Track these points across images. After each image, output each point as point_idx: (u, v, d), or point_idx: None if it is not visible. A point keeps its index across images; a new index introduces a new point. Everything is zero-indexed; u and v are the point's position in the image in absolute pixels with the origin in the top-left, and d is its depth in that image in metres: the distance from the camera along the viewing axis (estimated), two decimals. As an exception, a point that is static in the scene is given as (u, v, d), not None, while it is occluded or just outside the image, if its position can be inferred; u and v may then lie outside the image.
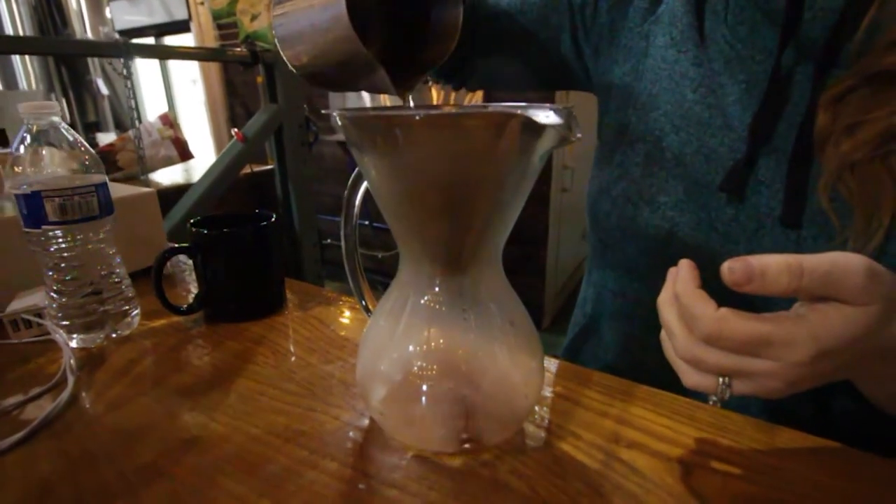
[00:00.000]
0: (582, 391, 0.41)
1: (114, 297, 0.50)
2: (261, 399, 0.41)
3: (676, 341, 0.30)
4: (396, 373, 0.33)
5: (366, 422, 0.37)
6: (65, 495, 0.31)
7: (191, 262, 0.54)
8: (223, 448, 0.35)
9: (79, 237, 0.46)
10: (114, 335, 0.50)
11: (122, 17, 4.08)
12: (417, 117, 0.26)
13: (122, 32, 4.43)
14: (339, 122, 0.28)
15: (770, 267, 0.26)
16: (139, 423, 0.38)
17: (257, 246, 0.53)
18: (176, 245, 0.52)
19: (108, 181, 0.49)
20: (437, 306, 0.32)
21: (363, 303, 0.39)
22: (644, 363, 0.49)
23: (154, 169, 1.54)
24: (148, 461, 0.34)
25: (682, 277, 0.30)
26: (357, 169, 0.35)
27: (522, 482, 0.31)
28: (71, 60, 3.53)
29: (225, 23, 1.29)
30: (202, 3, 2.05)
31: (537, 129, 0.24)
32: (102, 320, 0.49)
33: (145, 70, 3.98)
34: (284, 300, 0.58)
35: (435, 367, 0.32)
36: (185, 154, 1.59)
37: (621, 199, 0.49)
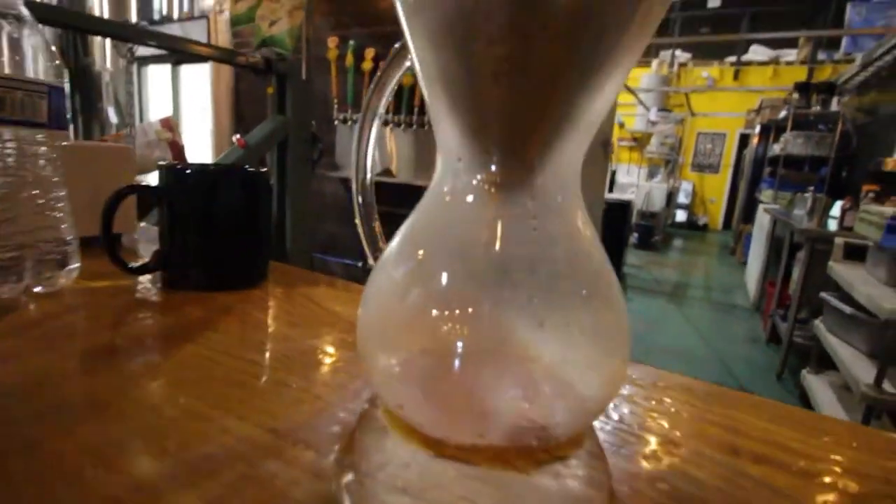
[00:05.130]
0: (654, 389, 0.29)
1: (45, 239, 0.38)
2: (212, 367, 0.29)
3: None
4: (422, 326, 0.22)
5: (364, 404, 0.26)
6: None
7: (155, 218, 0.43)
8: (139, 420, 0.23)
9: (10, 146, 0.36)
10: (37, 289, 0.38)
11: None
12: None
13: (140, 59, 4.52)
14: None
15: None
16: (26, 382, 0.26)
17: (241, 197, 0.43)
18: (139, 184, 0.41)
19: (66, 91, 0.39)
20: (494, 210, 0.21)
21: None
22: None
23: (147, 170, 1.46)
24: (23, 431, 0.22)
25: None
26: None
27: (605, 494, 0.20)
28: (84, 86, 3.55)
29: (238, 30, 1.27)
30: (221, 12, 2.07)
31: None
32: (21, 265, 0.37)
33: (156, 86, 3.98)
34: (265, 274, 0.47)
35: (489, 314, 0.21)
36: (179, 158, 1.51)
37: None
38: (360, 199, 0.30)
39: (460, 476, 0.20)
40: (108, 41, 3.81)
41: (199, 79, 3.71)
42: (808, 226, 2.67)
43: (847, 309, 1.91)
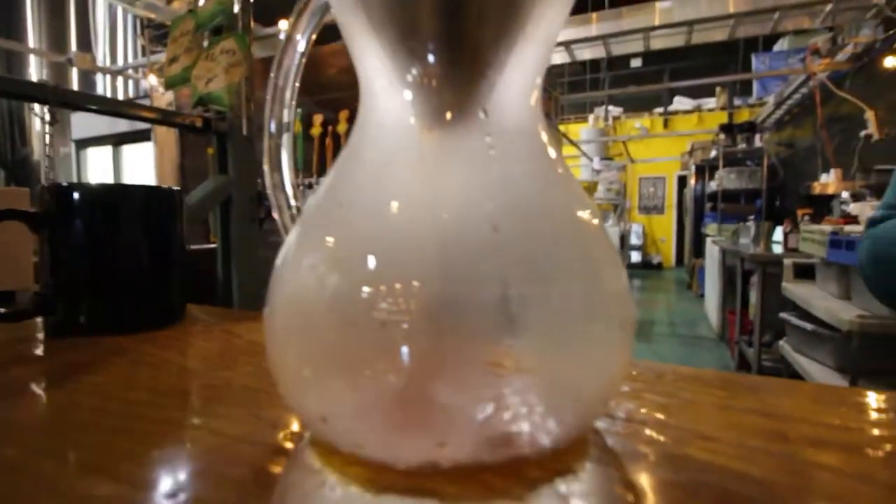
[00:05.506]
0: (662, 382, 0.24)
1: None
2: (72, 412, 0.21)
3: None
4: (349, 305, 0.16)
5: (278, 433, 0.18)
6: None
7: (34, 240, 0.36)
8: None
9: None
10: None
11: (82, 125, 4.07)
12: None
13: (80, 142, 4.39)
14: None
15: None
16: None
17: (142, 221, 0.36)
18: (14, 210, 0.34)
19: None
20: (437, 133, 0.16)
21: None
22: None
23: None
24: None
25: None
26: None
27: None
28: (22, 177, 3.42)
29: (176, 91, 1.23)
30: (163, 93, 2.03)
31: None
32: None
33: (97, 170, 3.85)
34: (180, 315, 0.39)
35: (440, 280, 0.15)
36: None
37: None
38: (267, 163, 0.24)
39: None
40: (49, 139, 3.70)
41: (142, 158, 3.62)
42: (755, 252, 2.77)
43: (808, 326, 1.93)
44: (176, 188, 0.38)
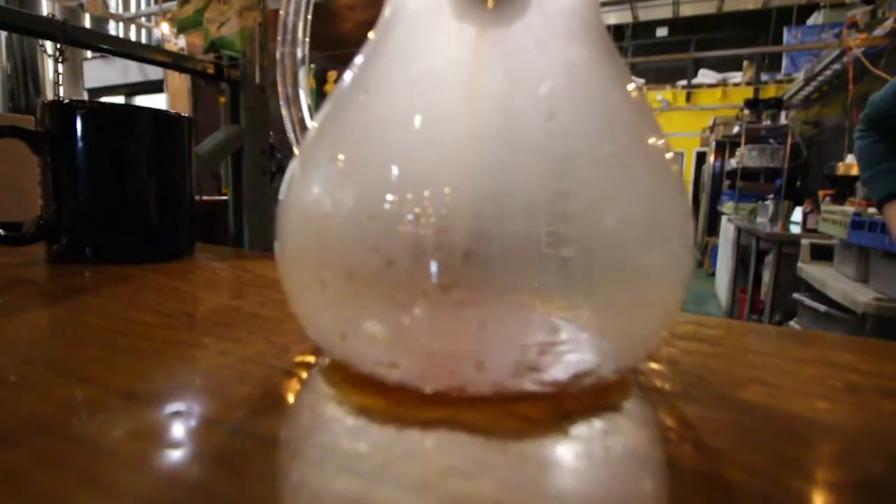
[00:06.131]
0: (701, 331, 0.22)
1: None
2: (74, 329, 0.19)
3: None
4: (371, 214, 0.14)
5: (289, 357, 0.17)
6: None
7: (36, 163, 0.34)
8: None
9: None
10: None
11: (95, 75, 4.01)
12: None
13: (92, 91, 4.34)
14: None
15: None
16: None
17: (150, 143, 0.34)
18: (11, 126, 0.32)
19: None
20: (479, 21, 0.14)
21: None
22: None
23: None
24: None
25: None
26: None
27: (704, 457, 0.11)
28: (37, 79, 3.40)
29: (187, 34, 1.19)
30: (170, 18, 1.98)
31: None
32: None
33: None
34: (189, 250, 0.37)
35: (478, 186, 0.13)
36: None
37: None
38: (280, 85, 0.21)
39: (447, 444, 0.12)
40: (61, 79, 3.65)
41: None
42: (772, 231, 2.71)
43: (822, 307, 1.90)
44: (186, 114, 0.36)
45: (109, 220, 0.33)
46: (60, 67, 1.10)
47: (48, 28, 0.93)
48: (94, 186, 0.33)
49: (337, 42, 2.63)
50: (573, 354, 0.13)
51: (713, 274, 4.64)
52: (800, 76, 4.21)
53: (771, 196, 3.64)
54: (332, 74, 2.87)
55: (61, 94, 1.31)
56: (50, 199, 0.33)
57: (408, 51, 0.14)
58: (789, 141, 4.26)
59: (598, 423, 0.13)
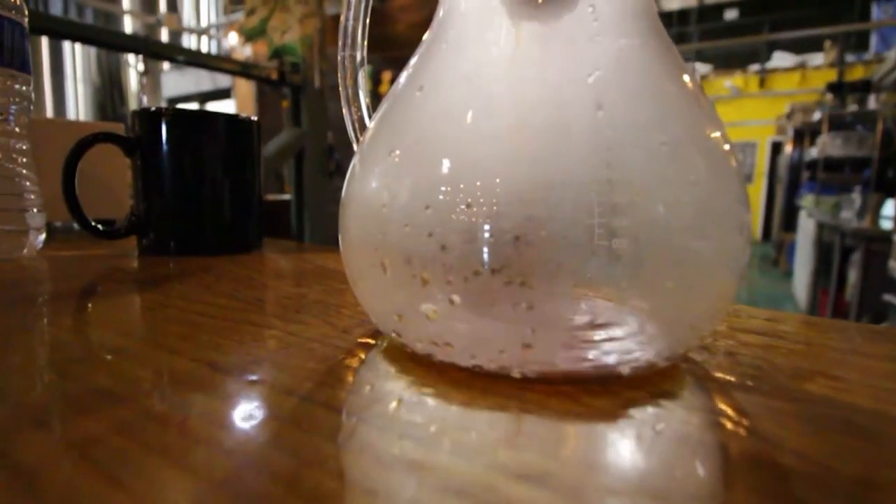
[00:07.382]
0: (759, 324, 0.21)
1: (7, 206, 0.33)
2: (158, 310, 0.22)
3: None
4: (429, 198, 0.15)
5: (358, 340, 0.18)
6: None
7: (129, 169, 0.38)
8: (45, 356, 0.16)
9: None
10: (-8, 255, 0.33)
11: (172, 85, 4.36)
12: None
13: (170, 100, 4.70)
14: None
15: None
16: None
17: (225, 145, 0.37)
18: (106, 132, 0.36)
19: (27, 30, 0.34)
20: (534, 16, 0.14)
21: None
22: None
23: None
24: None
25: None
26: None
27: (777, 447, 0.11)
28: (122, 90, 3.67)
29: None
30: (238, 28, 2.10)
31: None
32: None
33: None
34: (258, 244, 0.40)
35: (533, 176, 0.13)
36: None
37: None
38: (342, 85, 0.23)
39: (497, 419, 0.12)
40: (144, 89, 3.99)
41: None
42: (860, 226, 2.49)
43: (917, 309, 1.73)
44: (254, 118, 0.39)
45: (190, 216, 0.37)
46: (144, 79, 1.20)
47: (133, 44, 1.02)
48: (177, 186, 0.36)
49: (390, 43, 2.68)
50: (620, 339, 0.13)
51: (790, 273, 4.32)
52: (891, 55, 3.82)
53: (857, 188, 3.33)
54: (386, 75, 2.93)
55: (145, 103, 1.43)
56: (140, 198, 0.36)
57: (460, 48, 0.15)
58: (879, 127, 3.87)
59: (647, 407, 0.13)
